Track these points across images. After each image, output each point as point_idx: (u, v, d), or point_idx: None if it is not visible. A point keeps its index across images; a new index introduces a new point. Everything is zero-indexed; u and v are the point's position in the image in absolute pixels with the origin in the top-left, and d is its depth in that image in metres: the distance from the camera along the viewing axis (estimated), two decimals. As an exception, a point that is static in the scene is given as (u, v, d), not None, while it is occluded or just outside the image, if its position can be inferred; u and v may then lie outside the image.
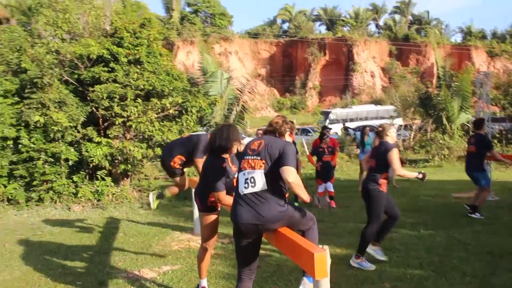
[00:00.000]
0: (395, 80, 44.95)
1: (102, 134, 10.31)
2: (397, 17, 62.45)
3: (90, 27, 11.09)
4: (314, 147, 9.75)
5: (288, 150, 3.41)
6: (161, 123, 9.95)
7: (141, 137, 10.36)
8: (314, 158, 9.28)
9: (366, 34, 55.72)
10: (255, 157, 3.46)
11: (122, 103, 9.53)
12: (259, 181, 3.37)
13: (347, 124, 25.17)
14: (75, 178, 9.91)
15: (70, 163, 9.79)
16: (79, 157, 9.86)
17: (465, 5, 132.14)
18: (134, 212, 9.03)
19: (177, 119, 10.63)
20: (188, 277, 4.88)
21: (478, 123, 7.92)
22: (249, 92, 16.04)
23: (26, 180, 9.56)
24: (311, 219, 3.64)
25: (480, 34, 58.69)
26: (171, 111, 10.40)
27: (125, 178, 10.95)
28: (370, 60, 51.58)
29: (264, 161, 3.41)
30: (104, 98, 9.44)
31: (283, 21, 65.26)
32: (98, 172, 9.93)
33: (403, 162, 16.15)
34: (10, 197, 9.49)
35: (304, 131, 22.94)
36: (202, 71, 16.80)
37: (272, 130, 3.69)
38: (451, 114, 16.76)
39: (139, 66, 10.25)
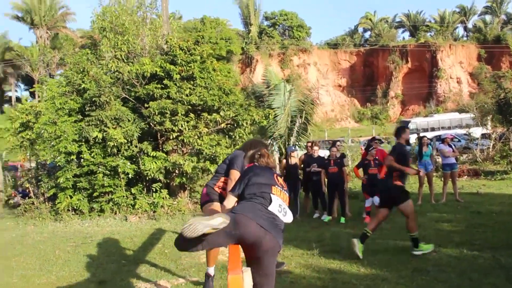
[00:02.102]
0: (484, 85, 41.95)
1: (160, 148, 10.79)
2: (488, 17, 58.48)
3: (149, 46, 11.71)
4: (361, 160, 9.41)
5: None
6: (210, 137, 10.17)
7: (193, 151, 10.68)
8: (360, 171, 8.94)
9: (452, 38, 52.72)
10: (285, 192, 3.56)
11: (173, 118, 9.90)
12: (289, 216, 3.42)
13: (423, 134, 23.91)
14: (133, 190, 10.44)
15: (130, 175, 10.33)
16: (137, 170, 10.38)
17: None
18: (184, 224, 9.25)
19: (230, 133, 10.83)
20: (197, 290, 4.94)
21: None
22: (312, 104, 15.93)
23: (88, 191, 10.26)
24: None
25: None
26: (222, 125, 10.62)
27: (182, 191, 11.34)
28: (456, 65, 48.69)
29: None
30: (156, 113, 9.88)
31: (365, 30, 63.96)
32: (154, 185, 10.37)
33: (478, 174, 15.07)
34: (75, 207, 10.24)
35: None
36: (266, 84, 16.96)
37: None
38: (533, 122, 15.31)
39: (192, 82, 10.60)
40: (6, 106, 51.16)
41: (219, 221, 2.96)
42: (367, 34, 63.20)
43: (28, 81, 49.16)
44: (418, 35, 53.51)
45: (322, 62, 52.93)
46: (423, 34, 53.01)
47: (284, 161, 9.53)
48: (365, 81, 53.44)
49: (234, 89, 11.18)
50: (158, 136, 10.92)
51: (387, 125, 30.38)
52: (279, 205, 3.36)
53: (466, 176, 15.20)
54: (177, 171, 10.57)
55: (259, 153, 3.89)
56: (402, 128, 6.74)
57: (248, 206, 3.31)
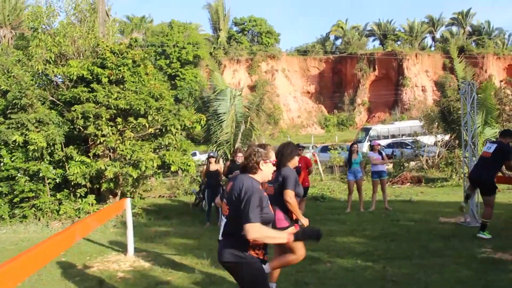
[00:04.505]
0: (446, 94, 42.68)
1: (89, 153, 10.54)
2: (454, 29, 59.89)
3: (83, 49, 11.47)
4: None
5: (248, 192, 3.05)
6: (133, 142, 9.99)
7: (119, 156, 10.46)
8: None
9: (420, 47, 53.67)
10: (224, 200, 3.31)
11: (96, 122, 9.69)
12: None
13: (379, 141, 24.10)
14: (59, 195, 10.16)
15: (58, 180, 10.06)
16: (63, 175, 10.11)
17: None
18: (100, 230, 9.02)
19: (159, 138, 10.68)
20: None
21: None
22: (257, 110, 15.91)
23: (9, 197, 9.93)
24: None
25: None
26: (150, 130, 10.46)
27: (112, 196, 11.11)
28: (422, 74, 49.57)
29: (228, 207, 3.23)
30: (80, 117, 9.66)
31: (336, 38, 64.59)
32: (78, 190, 10.13)
33: (420, 181, 15.19)
34: (-5, 213, 9.90)
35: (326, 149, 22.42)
36: (212, 89, 16.88)
37: (243, 167, 3.33)
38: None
39: (121, 86, 10.42)
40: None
41: None
42: (338, 42, 63.90)
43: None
44: (386, 43, 54.29)
45: (291, 69, 53.22)
46: (391, 43, 53.80)
47: (205, 167, 9.41)
48: (334, 88, 53.92)
49: (165, 94, 11.00)
50: (89, 140, 10.69)
51: (333, 132, 30.58)
52: None
53: (408, 183, 15.37)
54: (106, 177, 10.35)
55: None
56: (510, 132, 7.43)
57: None
